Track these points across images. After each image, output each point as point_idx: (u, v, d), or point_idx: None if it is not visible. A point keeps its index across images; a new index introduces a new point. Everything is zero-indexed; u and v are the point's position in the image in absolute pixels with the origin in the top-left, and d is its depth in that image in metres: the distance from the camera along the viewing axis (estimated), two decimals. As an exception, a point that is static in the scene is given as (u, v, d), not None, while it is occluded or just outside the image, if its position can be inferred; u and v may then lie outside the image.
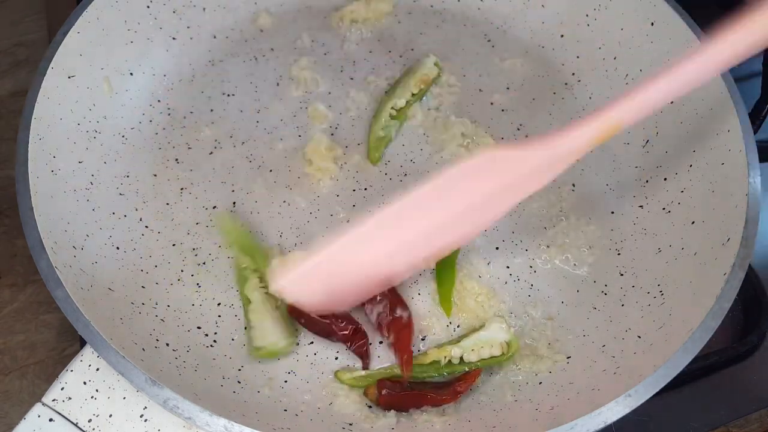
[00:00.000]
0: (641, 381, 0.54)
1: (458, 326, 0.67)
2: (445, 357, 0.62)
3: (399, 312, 0.63)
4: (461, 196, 0.57)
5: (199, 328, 0.65)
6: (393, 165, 0.77)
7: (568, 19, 0.85)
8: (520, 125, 0.81)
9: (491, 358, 0.62)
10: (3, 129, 0.88)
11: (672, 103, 0.75)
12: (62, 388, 0.56)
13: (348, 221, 0.72)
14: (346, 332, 0.62)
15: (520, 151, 0.58)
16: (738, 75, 0.68)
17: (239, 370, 0.63)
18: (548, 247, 0.72)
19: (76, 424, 0.54)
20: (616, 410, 0.53)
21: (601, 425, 0.53)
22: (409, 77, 0.80)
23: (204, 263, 0.69)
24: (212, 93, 0.81)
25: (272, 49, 0.86)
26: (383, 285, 0.62)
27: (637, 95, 0.56)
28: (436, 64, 0.82)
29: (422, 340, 0.66)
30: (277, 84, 0.83)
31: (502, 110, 0.82)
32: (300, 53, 0.85)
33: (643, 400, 0.54)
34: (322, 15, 0.89)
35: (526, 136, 0.80)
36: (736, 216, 0.63)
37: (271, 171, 0.76)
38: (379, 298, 0.63)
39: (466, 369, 0.62)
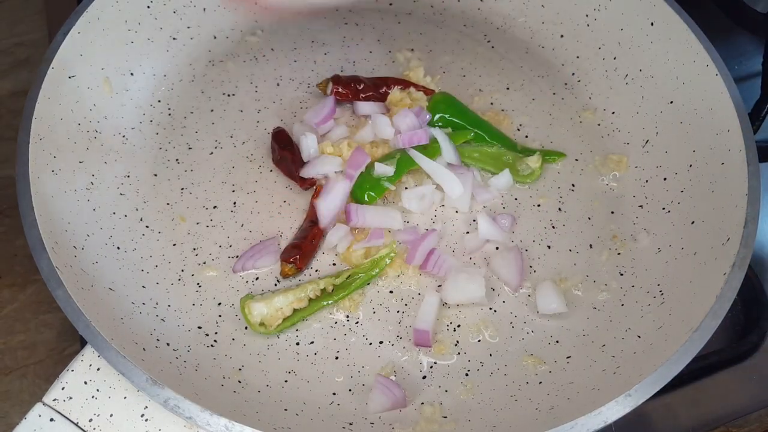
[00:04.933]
0: (641, 380, 0.55)
1: (458, 326, 0.67)
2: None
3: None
4: None
5: (199, 328, 0.65)
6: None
7: (568, 19, 0.85)
8: (520, 125, 0.81)
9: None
10: (3, 129, 0.88)
11: (672, 103, 0.75)
12: (63, 388, 0.56)
13: (348, 221, 0.73)
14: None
15: None
16: (738, 75, 0.68)
17: (240, 370, 0.63)
18: (549, 247, 0.72)
19: (76, 424, 0.54)
20: (616, 410, 0.54)
21: (601, 425, 0.53)
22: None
23: (204, 263, 0.69)
24: (212, 93, 0.81)
25: (272, 49, 0.86)
26: None
27: None
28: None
29: (421, 346, 0.66)
30: (277, 84, 0.83)
31: (502, 110, 0.82)
32: (300, 53, 0.85)
33: (643, 400, 0.54)
34: (322, 15, 0.89)
35: (526, 137, 0.80)
36: (736, 216, 0.63)
37: (271, 171, 0.76)
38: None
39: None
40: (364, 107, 0.79)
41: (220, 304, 0.67)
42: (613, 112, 0.81)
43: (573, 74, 0.85)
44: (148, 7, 0.79)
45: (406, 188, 0.74)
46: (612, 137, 0.80)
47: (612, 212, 0.75)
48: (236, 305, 0.67)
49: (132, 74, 0.78)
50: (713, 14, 1.01)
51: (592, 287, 0.69)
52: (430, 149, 0.74)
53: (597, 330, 0.66)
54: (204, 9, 0.84)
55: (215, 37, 0.85)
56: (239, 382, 0.62)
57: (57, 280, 0.57)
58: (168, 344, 0.62)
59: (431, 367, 0.64)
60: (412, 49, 0.87)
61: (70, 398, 0.55)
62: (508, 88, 0.84)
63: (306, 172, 0.73)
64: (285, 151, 0.74)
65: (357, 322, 0.67)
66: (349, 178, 0.72)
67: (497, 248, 0.71)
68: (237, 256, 0.70)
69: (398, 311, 0.68)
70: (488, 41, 0.88)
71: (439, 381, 0.64)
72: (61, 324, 0.74)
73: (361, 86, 0.79)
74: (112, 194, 0.72)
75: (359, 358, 0.65)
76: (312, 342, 0.65)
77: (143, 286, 0.66)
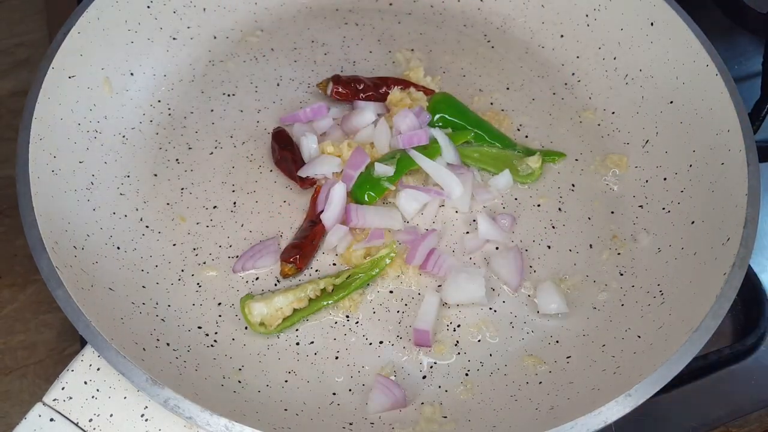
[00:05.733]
0: (641, 380, 0.55)
1: (458, 326, 0.67)
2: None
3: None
4: None
5: (199, 327, 0.65)
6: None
7: (568, 19, 0.85)
8: (520, 125, 0.81)
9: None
10: (3, 129, 0.88)
11: (672, 103, 0.75)
12: (63, 388, 0.56)
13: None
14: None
15: None
16: (738, 75, 0.68)
17: (239, 370, 0.63)
18: (549, 247, 0.72)
19: (76, 424, 0.54)
20: (616, 410, 0.54)
21: (601, 425, 0.53)
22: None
23: (204, 263, 0.69)
24: (212, 93, 0.81)
25: (272, 49, 0.86)
26: None
27: None
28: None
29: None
30: (277, 84, 0.83)
31: (502, 110, 0.82)
32: (300, 53, 0.85)
33: (643, 400, 0.54)
34: (323, 15, 0.89)
35: (526, 137, 0.80)
36: (736, 216, 0.63)
37: (271, 171, 0.76)
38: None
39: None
40: (364, 116, 0.77)
41: (220, 304, 0.67)
42: (613, 112, 0.81)
43: (573, 74, 0.85)
44: (148, 7, 0.79)
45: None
46: (612, 137, 0.80)
47: (612, 212, 0.75)
48: (236, 305, 0.67)
49: (132, 74, 0.78)
50: (713, 14, 1.01)
51: (592, 287, 0.70)
52: (430, 149, 0.74)
53: (597, 330, 0.66)
54: (204, 9, 0.85)
55: (215, 37, 0.85)
56: (239, 382, 0.62)
57: (57, 280, 0.57)
58: (168, 344, 0.62)
59: (431, 367, 0.65)
60: (412, 49, 0.87)
61: (70, 398, 0.55)
62: (508, 88, 0.84)
63: (305, 172, 0.73)
64: (285, 151, 0.74)
65: (357, 322, 0.67)
66: (348, 178, 0.72)
67: (497, 248, 0.71)
68: (237, 256, 0.70)
69: (398, 311, 0.68)
70: (488, 41, 0.88)
71: (439, 381, 0.64)
72: (61, 324, 0.74)
73: (361, 86, 0.79)
74: (112, 194, 0.72)
75: (359, 358, 0.65)
76: (312, 342, 0.65)
77: (143, 286, 0.66)
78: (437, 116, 0.77)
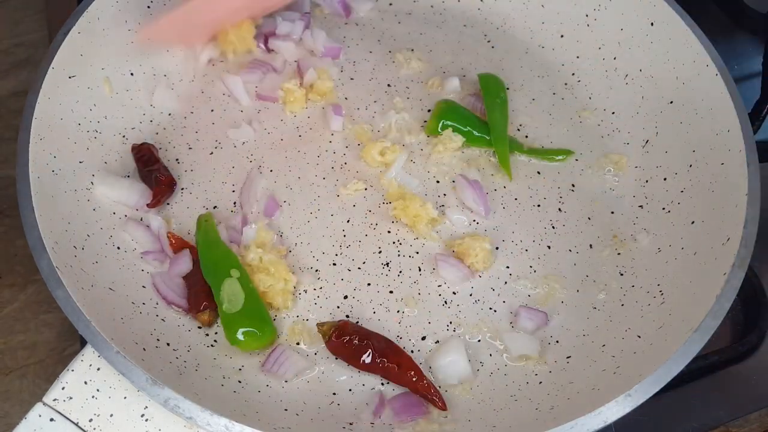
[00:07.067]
0: (641, 380, 0.55)
1: (458, 325, 0.67)
2: None
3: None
4: None
5: (199, 327, 0.65)
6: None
7: (568, 19, 0.85)
8: (520, 125, 0.81)
9: None
10: (3, 129, 0.88)
11: (672, 103, 0.75)
12: (63, 388, 0.56)
13: (348, 221, 0.73)
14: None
15: None
16: (738, 75, 0.68)
17: (240, 369, 0.63)
18: (549, 247, 0.72)
19: (76, 424, 0.54)
20: (615, 410, 0.54)
21: (601, 425, 0.53)
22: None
23: (204, 263, 0.69)
24: (212, 93, 0.81)
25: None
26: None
27: None
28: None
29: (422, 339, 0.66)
30: (278, 84, 0.83)
31: (502, 110, 0.82)
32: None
33: (643, 400, 0.54)
34: (323, 15, 0.89)
35: (527, 137, 0.80)
36: (736, 216, 0.63)
37: (271, 171, 0.76)
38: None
39: None
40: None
41: (220, 304, 0.67)
42: (613, 112, 0.81)
43: (573, 74, 0.85)
44: (148, 7, 0.79)
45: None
46: (612, 137, 0.80)
47: (612, 212, 0.75)
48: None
49: (132, 74, 0.78)
50: (713, 14, 1.01)
51: (592, 287, 0.70)
52: None
53: (597, 330, 0.66)
54: (204, 9, 0.84)
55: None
56: (239, 382, 0.62)
57: (57, 280, 0.57)
58: (168, 344, 0.62)
59: (431, 367, 0.64)
60: (412, 49, 0.87)
61: (70, 398, 0.55)
62: (508, 88, 0.84)
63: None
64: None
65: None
66: None
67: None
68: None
69: (398, 311, 0.68)
70: (488, 41, 0.88)
71: (439, 381, 0.64)
72: (61, 324, 0.75)
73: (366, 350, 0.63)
74: (112, 194, 0.71)
75: (359, 358, 0.65)
76: (312, 342, 0.65)
77: (143, 286, 0.66)
78: (442, 123, 0.77)
